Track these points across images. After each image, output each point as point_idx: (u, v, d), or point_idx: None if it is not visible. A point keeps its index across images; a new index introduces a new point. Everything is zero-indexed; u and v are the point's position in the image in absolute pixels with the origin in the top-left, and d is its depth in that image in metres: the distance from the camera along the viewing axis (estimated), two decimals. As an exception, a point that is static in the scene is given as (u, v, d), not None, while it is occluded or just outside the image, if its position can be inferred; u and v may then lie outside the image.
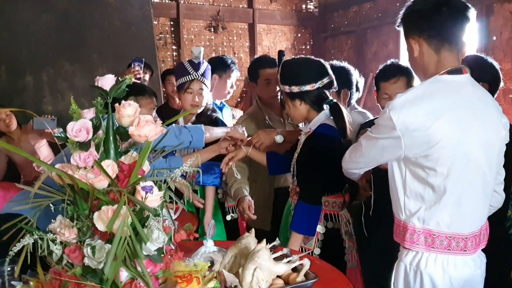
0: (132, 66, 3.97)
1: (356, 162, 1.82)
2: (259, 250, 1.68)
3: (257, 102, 3.10)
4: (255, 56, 7.12)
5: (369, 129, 1.74)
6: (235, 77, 3.51)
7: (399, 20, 1.73)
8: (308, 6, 7.67)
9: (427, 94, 1.59)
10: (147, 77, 4.35)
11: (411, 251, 1.68)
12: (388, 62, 2.52)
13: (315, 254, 2.26)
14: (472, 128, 1.59)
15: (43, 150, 3.84)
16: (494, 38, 5.16)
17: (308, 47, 7.68)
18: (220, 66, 3.38)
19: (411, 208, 1.64)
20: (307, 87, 2.24)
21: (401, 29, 1.75)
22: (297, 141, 2.41)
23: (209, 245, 1.91)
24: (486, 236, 1.73)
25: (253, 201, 2.71)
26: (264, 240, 1.77)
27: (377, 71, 2.54)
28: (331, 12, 7.51)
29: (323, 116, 2.30)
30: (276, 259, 1.73)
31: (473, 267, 1.66)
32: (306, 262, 1.72)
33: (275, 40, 7.43)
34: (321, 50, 7.38)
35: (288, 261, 1.74)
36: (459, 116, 1.57)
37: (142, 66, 4.00)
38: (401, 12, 1.72)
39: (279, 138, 2.52)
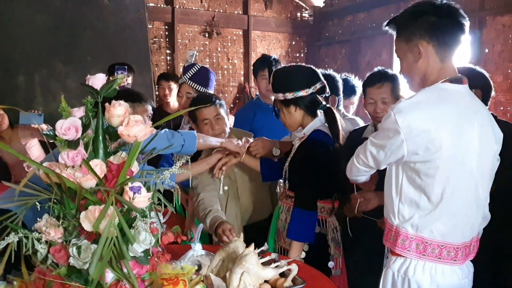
0: (116, 74, 3.95)
1: (362, 169, 1.80)
2: (247, 254, 1.69)
3: None
4: (252, 62, 7.17)
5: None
6: None
7: (403, 23, 1.69)
8: (303, 14, 7.70)
9: (432, 100, 1.59)
10: (130, 79, 4.33)
11: (399, 258, 1.68)
12: (375, 69, 2.55)
13: (300, 258, 2.25)
14: (470, 139, 1.60)
15: (34, 150, 3.82)
16: (487, 50, 5.20)
17: (302, 55, 7.71)
18: None
19: (405, 214, 1.64)
20: (301, 93, 2.26)
21: (393, 31, 1.73)
22: (291, 147, 2.42)
23: (197, 249, 1.90)
24: (475, 248, 1.74)
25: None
26: (253, 245, 1.77)
27: (365, 78, 2.57)
28: (325, 21, 7.54)
29: (318, 122, 2.32)
30: (264, 263, 1.73)
31: (461, 276, 1.67)
32: (294, 268, 1.74)
33: (269, 47, 7.45)
34: (315, 59, 7.41)
35: (276, 266, 1.74)
36: (460, 125, 1.58)
37: (126, 73, 3.99)
38: (405, 15, 1.69)
39: (275, 152, 2.52)
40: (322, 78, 2.34)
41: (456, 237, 1.63)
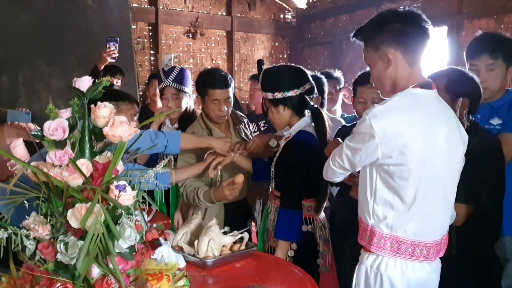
0: (108, 46, 3.96)
1: (338, 171, 1.83)
2: (211, 225, 2.09)
3: (203, 119, 2.79)
4: (235, 63, 7.20)
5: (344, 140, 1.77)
6: None
7: (370, 33, 1.75)
8: (286, 16, 7.77)
9: (405, 106, 1.64)
10: (119, 82, 4.37)
11: (372, 254, 1.74)
12: (367, 69, 2.57)
13: (288, 256, 2.31)
14: (439, 142, 1.66)
15: (19, 150, 3.79)
16: (464, 53, 5.31)
17: (285, 56, 7.78)
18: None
19: (379, 214, 1.69)
20: (290, 93, 2.31)
21: (361, 41, 1.79)
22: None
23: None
24: (445, 245, 1.81)
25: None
26: (214, 218, 2.15)
27: (356, 77, 2.54)
28: (308, 23, 7.62)
29: (303, 122, 2.37)
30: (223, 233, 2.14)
31: (430, 271, 1.74)
32: (246, 235, 2.14)
33: (253, 48, 7.50)
34: (297, 60, 7.47)
35: (231, 235, 2.15)
36: (431, 129, 1.65)
37: (117, 45, 4.00)
38: (370, 25, 1.75)
39: (272, 143, 2.56)
40: (311, 79, 2.38)
41: (428, 235, 1.70)
